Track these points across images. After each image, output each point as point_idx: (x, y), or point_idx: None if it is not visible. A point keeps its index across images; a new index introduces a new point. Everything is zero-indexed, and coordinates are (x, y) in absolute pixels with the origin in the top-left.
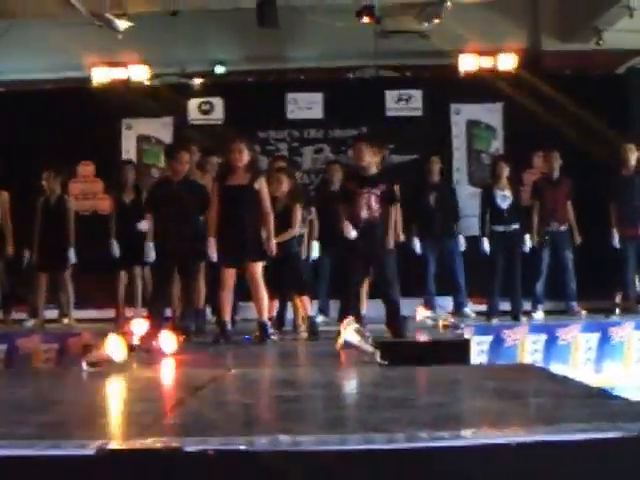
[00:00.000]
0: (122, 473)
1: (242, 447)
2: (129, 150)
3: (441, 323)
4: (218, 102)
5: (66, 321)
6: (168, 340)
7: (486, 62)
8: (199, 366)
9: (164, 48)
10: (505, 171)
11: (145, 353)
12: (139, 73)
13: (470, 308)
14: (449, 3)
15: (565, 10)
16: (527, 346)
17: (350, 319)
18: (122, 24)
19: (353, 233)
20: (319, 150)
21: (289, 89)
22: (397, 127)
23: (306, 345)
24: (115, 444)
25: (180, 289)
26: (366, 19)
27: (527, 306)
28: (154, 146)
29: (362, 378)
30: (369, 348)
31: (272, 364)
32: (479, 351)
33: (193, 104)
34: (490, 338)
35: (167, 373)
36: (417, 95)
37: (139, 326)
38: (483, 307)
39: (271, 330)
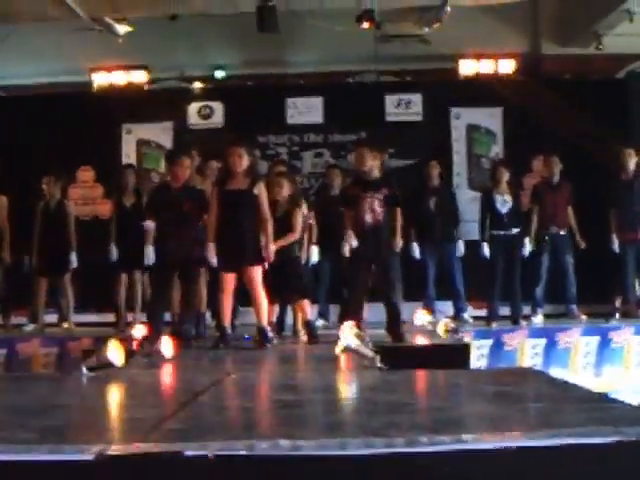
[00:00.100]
0: (122, 478)
1: (242, 452)
2: (129, 154)
3: (441, 327)
4: (218, 106)
5: (65, 325)
6: (168, 345)
7: (486, 66)
8: (199, 371)
9: (164, 52)
10: (505, 176)
11: (145, 358)
12: (139, 77)
13: (470, 313)
14: (449, 8)
15: (565, 15)
16: (527, 350)
17: (350, 323)
18: (122, 29)
19: (354, 242)
20: (319, 154)
21: (289, 94)
22: (397, 132)
23: (306, 349)
24: (115, 449)
25: (180, 294)
26: (366, 24)
27: (527, 310)
28: (154, 150)
29: (362, 382)
30: (369, 352)
31: (272, 368)
32: (479, 355)
33: (193, 108)
34: (490, 342)
35: (167, 377)
36: (417, 100)
37: (139, 330)
38: (483, 311)
39: (271, 335)
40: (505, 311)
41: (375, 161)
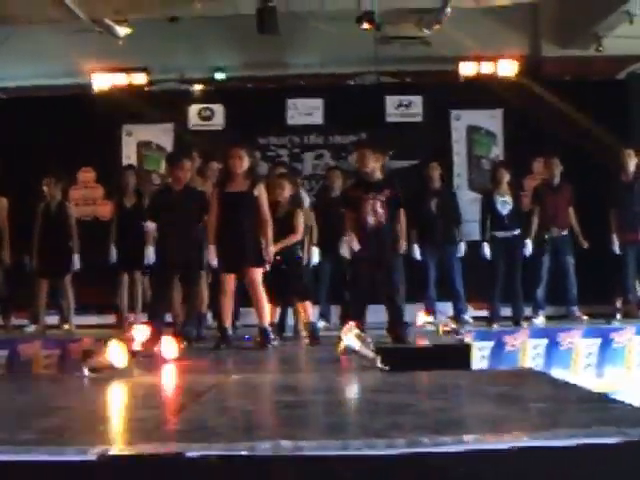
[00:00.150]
0: (123, 479)
1: (244, 452)
2: (129, 156)
3: (442, 328)
4: (218, 108)
5: (66, 327)
6: (169, 346)
7: (486, 68)
8: (200, 372)
9: (164, 54)
10: (505, 177)
11: (146, 359)
12: (139, 79)
13: (471, 314)
14: (449, 9)
15: (565, 16)
16: (528, 351)
17: (351, 324)
18: (122, 30)
19: (356, 245)
20: (319, 156)
21: (289, 95)
22: (397, 133)
23: (307, 350)
24: (116, 450)
25: (182, 296)
26: (366, 25)
27: (528, 311)
28: (155, 152)
29: (363, 383)
30: (370, 353)
31: (273, 370)
32: (480, 356)
33: (193, 110)
34: (491, 343)
35: (168, 379)
36: (417, 101)
37: (140, 332)
38: (484, 312)
39: (272, 336)
40: (506, 312)
41: (377, 163)
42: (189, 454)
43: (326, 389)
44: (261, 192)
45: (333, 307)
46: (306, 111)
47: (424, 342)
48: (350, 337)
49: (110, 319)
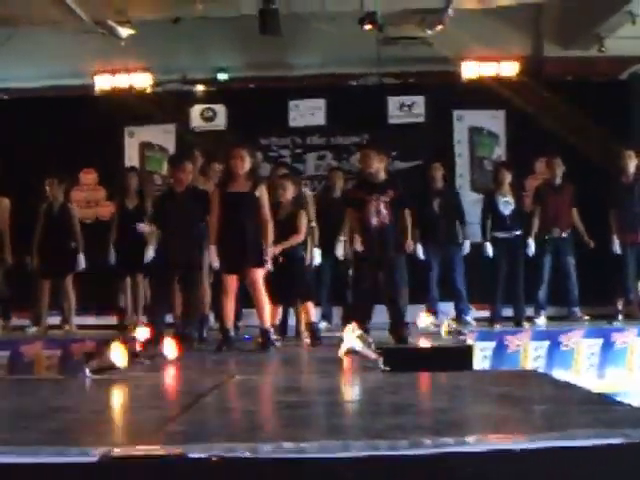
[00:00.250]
0: None
1: (245, 454)
2: (132, 157)
3: (444, 329)
4: (220, 109)
5: (67, 327)
6: (171, 347)
7: (488, 69)
8: (202, 373)
9: (166, 55)
10: (507, 177)
11: (148, 360)
12: (142, 80)
13: (472, 314)
14: (451, 10)
15: (567, 17)
16: (530, 352)
17: (353, 325)
18: (124, 31)
19: (359, 246)
20: (322, 157)
21: (291, 96)
22: (400, 134)
23: (309, 351)
24: (118, 451)
25: (182, 296)
26: (368, 26)
27: (529, 312)
28: (157, 153)
29: (365, 384)
30: (372, 354)
31: (275, 370)
32: (482, 357)
33: (195, 111)
34: (493, 344)
35: (170, 380)
36: (420, 102)
37: (142, 333)
38: (486, 313)
39: (274, 337)
40: (508, 313)
41: (381, 163)
42: (191, 455)
43: (328, 390)
44: (262, 193)
45: (335, 308)
46: (308, 112)
47: (426, 343)
48: (352, 338)
49: (111, 320)
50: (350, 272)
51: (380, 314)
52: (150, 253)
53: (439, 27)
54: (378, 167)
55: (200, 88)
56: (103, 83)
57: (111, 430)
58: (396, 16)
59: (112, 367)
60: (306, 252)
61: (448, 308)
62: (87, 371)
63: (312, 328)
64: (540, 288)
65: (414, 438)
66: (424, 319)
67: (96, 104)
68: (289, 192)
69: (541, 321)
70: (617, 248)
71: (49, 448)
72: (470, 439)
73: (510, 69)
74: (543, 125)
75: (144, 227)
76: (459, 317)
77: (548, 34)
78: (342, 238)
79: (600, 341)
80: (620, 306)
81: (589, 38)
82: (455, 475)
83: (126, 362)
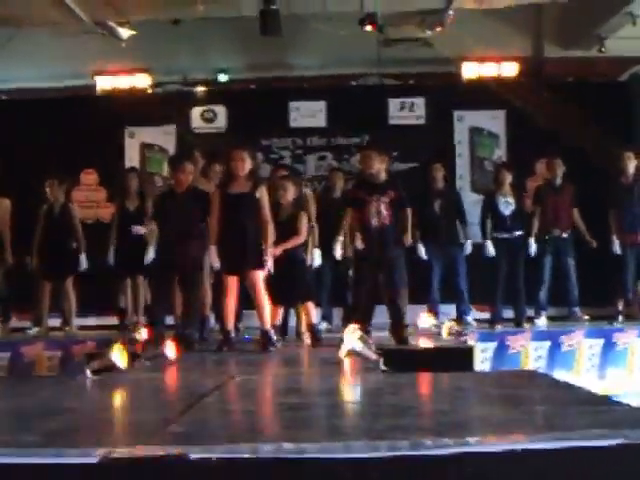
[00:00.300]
0: None
1: (246, 455)
2: (132, 158)
3: (445, 330)
4: (221, 110)
5: (67, 328)
6: (172, 348)
7: (489, 69)
8: (203, 373)
9: (167, 56)
10: (507, 178)
11: (149, 361)
12: (142, 81)
13: (473, 315)
14: (451, 11)
15: (568, 17)
16: (531, 353)
17: (354, 326)
18: (125, 32)
19: (360, 244)
20: (322, 158)
21: (292, 97)
22: (400, 134)
23: (310, 352)
24: (119, 452)
25: (183, 298)
26: (369, 27)
27: (530, 312)
28: (157, 154)
29: (366, 385)
30: (373, 355)
31: (276, 371)
32: (483, 358)
33: (196, 112)
34: (494, 345)
35: (171, 380)
36: (420, 103)
37: (142, 334)
38: (486, 314)
39: (274, 338)
40: (508, 314)
41: (382, 164)
42: (192, 456)
43: (328, 391)
44: (263, 194)
45: (335, 309)
46: (309, 113)
47: (427, 343)
48: (352, 339)
49: (112, 321)
50: (350, 272)
51: (380, 315)
52: (150, 254)
53: (439, 28)
54: (379, 168)
55: (200, 89)
56: (103, 84)
57: (112, 431)
58: (396, 17)
59: (113, 368)
60: (306, 253)
61: (449, 309)
62: (88, 372)
63: (313, 329)
64: (541, 289)
65: (415, 439)
66: (425, 320)
67: (96, 105)
68: (290, 193)
69: (542, 322)
70: (617, 248)
71: (49, 449)
72: (471, 440)
73: (510, 70)
74: (543, 126)
75: (140, 229)
76: (460, 318)
77: (548, 35)
78: (340, 238)
79: (601, 342)
80: (620, 307)
81: (589, 39)
82: (456, 476)
83: (127, 363)
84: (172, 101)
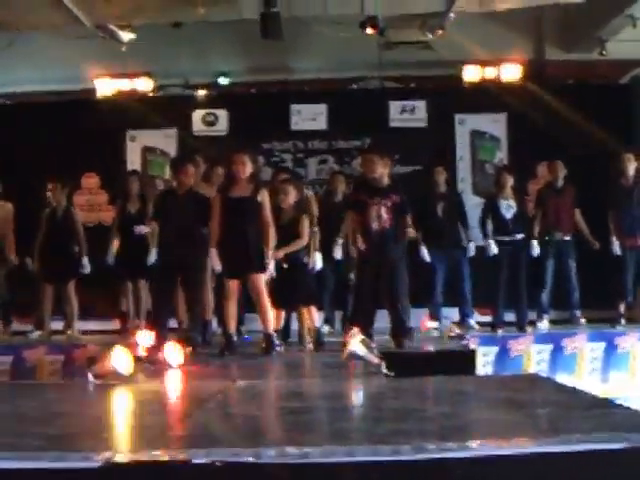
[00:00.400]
0: None
1: (249, 459)
2: (133, 161)
3: (447, 334)
4: (222, 113)
5: (69, 332)
6: (174, 352)
7: (490, 72)
8: (205, 378)
9: (168, 60)
10: (509, 181)
11: (151, 365)
12: (143, 85)
13: (475, 319)
14: (452, 14)
15: (568, 20)
16: (533, 356)
17: (356, 330)
18: (126, 36)
19: (362, 245)
20: (323, 161)
21: (293, 100)
22: (401, 138)
23: (312, 356)
24: (121, 456)
25: (185, 301)
26: (370, 30)
27: (531, 316)
28: (159, 157)
29: (368, 389)
30: (375, 359)
31: (278, 375)
32: (485, 362)
33: (197, 115)
34: (496, 349)
35: (173, 385)
36: (421, 106)
37: (145, 338)
38: (488, 317)
39: (277, 341)
40: (510, 317)
41: (385, 169)
42: (195, 460)
43: (331, 395)
44: (264, 197)
45: (337, 312)
46: (310, 116)
47: (429, 347)
48: (355, 343)
49: (113, 325)
50: (351, 276)
51: (382, 319)
52: (153, 255)
53: (440, 31)
54: (382, 172)
55: (201, 92)
56: (104, 87)
57: (114, 435)
58: (397, 20)
59: (115, 372)
60: (308, 257)
61: (451, 312)
62: (90, 376)
63: (315, 333)
64: (542, 292)
65: (417, 443)
66: (427, 324)
67: (98, 108)
68: (291, 197)
69: (544, 325)
70: (617, 249)
71: (51, 453)
72: (473, 444)
73: (511, 73)
74: (545, 128)
75: (143, 228)
76: (463, 321)
77: (549, 37)
78: (340, 240)
79: (603, 345)
80: (622, 309)
81: (590, 41)
82: None
83: (129, 367)
84: (173, 104)
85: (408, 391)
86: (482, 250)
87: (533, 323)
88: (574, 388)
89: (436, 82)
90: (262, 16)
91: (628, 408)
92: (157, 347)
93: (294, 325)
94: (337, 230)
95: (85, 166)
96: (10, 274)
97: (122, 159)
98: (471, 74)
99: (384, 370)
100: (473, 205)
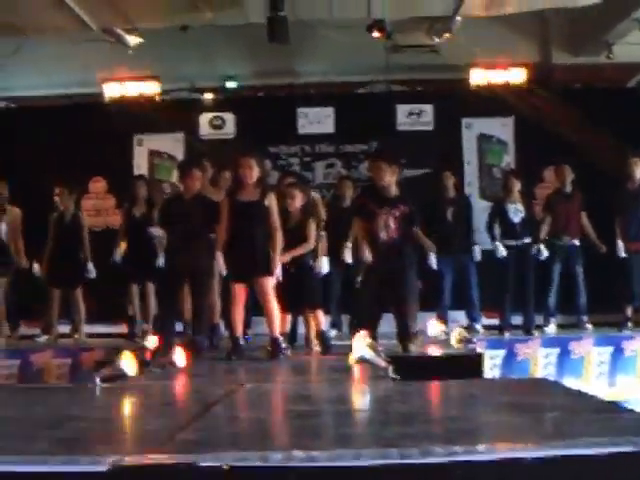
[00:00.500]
0: None
1: (256, 462)
2: (140, 165)
3: (454, 337)
4: (229, 117)
5: (76, 336)
6: (181, 355)
7: (497, 76)
8: (212, 381)
9: (175, 63)
10: (516, 185)
11: (158, 368)
12: (150, 88)
13: (482, 322)
14: (459, 18)
15: (575, 24)
16: (540, 360)
17: (363, 334)
18: (133, 40)
19: (368, 255)
20: (330, 165)
21: (300, 104)
22: (408, 141)
23: (319, 360)
24: (129, 460)
25: (192, 305)
26: (377, 34)
27: (538, 319)
28: (166, 161)
29: (375, 393)
30: (382, 363)
31: (285, 379)
32: (492, 365)
33: (204, 119)
34: (503, 352)
35: (180, 388)
36: (428, 109)
37: (152, 341)
38: (495, 321)
39: (283, 345)
40: (517, 320)
41: (393, 177)
42: (202, 464)
43: (338, 398)
44: (272, 202)
45: (344, 316)
46: (317, 120)
47: (436, 351)
48: (362, 346)
49: (121, 328)
50: (358, 279)
51: (389, 323)
52: (161, 260)
53: (447, 35)
54: (390, 181)
55: (208, 96)
56: (112, 91)
57: (121, 439)
58: (404, 24)
59: (122, 376)
60: (315, 260)
61: (459, 316)
62: (97, 380)
63: (322, 336)
64: (550, 295)
65: (425, 447)
66: (434, 327)
67: (105, 112)
68: (297, 200)
69: (551, 329)
70: (622, 252)
71: (59, 457)
72: (481, 447)
73: (519, 76)
74: (552, 132)
75: (157, 231)
76: (471, 325)
77: (556, 41)
78: (349, 244)
79: (610, 349)
80: (629, 313)
81: (597, 45)
82: None
83: (136, 371)
84: (180, 108)
85: (415, 395)
86: (490, 254)
87: (540, 327)
88: (581, 392)
89: (443, 86)
90: (269, 20)
91: (635, 412)
92: (164, 351)
93: (301, 329)
94: (345, 235)
95: (92, 170)
96: (17, 278)
97: (129, 163)
98: (478, 78)
99: (391, 374)
100: (480, 209)
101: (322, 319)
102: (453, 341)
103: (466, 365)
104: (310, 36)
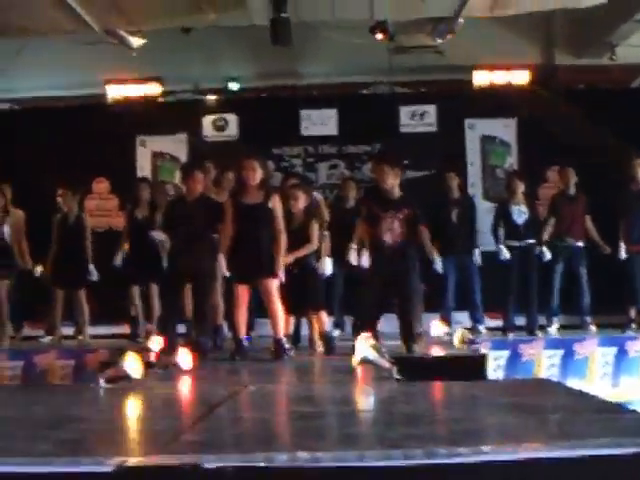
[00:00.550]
0: None
1: (261, 463)
2: (144, 166)
3: (458, 338)
4: (232, 118)
5: (80, 337)
6: (185, 357)
7: (500, 77)
8: (216, 382)
9: (178, 65)
10: (520, 186)
11: (162, 370)
12: (153, 90)
13: (485, 324)
14: (462, 19)
15: (578, 25)
16: (543, 361)
17: (366, 335)
18: (136, 41)
19: (367, 262)
20: (334, 166)
21: (303, 105)
22: (411, 143)
23: (323, 361)
24: (133, 461)
25: (195, 307)
26: (380, 35)
27: (541, 320)
28: (169, 162)
29: (379, 394)
30: (386, 364)
31: (289, 380)
32: (496, 366)
33: (207, 120)
34: (507, 353)
35: (184, 390)
36: (431, 110)
37: (155, 343)
38: (498, 322)
39: (287, 346)
40: (520, 320)
41: (396, 179)
42: (206, 465)
43: (342, 399)
44: (275, 203)
45: (347, 317)
46: (320, 121)
47: (440, 352)
48: (366, 347)
49: (124, 329)
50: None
51: (393, 324)
52: (165, 262)
53: (450, 36)
54: (393, 183)
55: (211, 97)
56: (115, 93)
57: (125, 440)
58: (407, 25)
59: (126, 377)
60: (318, 261)
61: (462, 317)
62: (101, 381)
63: (325, 337)
64: (552, 296)
65: (429, 448)
66: (438, 328)
67: (108, 114)
68: (300, 202)
69: (553, 329)
70: (622, 254)
71: (63, 458)
72: (485, 448)
73: (522, 77)
74: (555, 133)
75: (159, 235)
76: (474, 326)
77: (559, 42)
78: (354, 246)
79: (614, 350)
80: (633, 314)
81: (600, 46)
82: None
83: (140, 372)
84: (183, 109)
85: (419, 396)
86: (493, 255)
87: (544, 328)
88: (584, 392)
89: (446, 87)
90: (272, 22)
91: (638, 412)
92: (167, 352)
93: (304, 330)
94: (349, 236)
95: (95, 171)
96: (21, 280)
97: (132, 164)
98: (481, 79)
99: (395, 375)
100: (484, 210)
101: (325, 320)
102: (456, 342)
103: (470, 366)
104: (313, 38)
